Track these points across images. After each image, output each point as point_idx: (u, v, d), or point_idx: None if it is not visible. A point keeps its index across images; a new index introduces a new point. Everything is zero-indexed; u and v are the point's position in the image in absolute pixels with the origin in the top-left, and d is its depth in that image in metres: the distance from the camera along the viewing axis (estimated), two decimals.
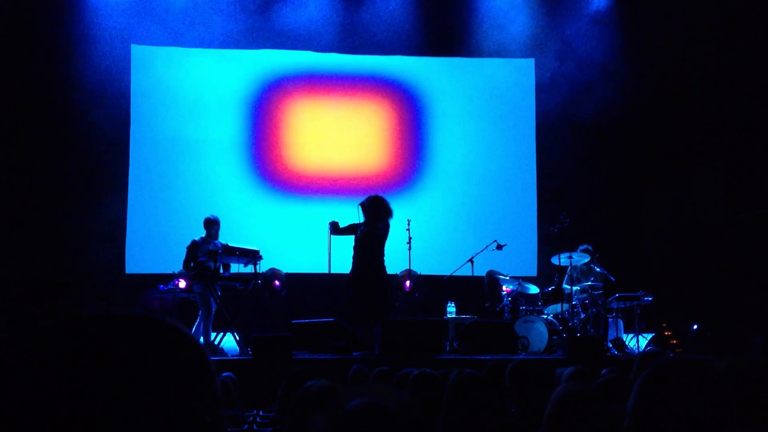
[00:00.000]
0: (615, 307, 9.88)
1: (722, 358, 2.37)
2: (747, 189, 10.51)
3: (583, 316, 9.68)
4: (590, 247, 10.07)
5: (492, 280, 10.22)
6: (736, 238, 10.59)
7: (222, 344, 9.03)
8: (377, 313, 8.90)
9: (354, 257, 9.13)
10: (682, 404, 1.70)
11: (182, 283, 9.03)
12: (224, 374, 5.75)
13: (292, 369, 4.82)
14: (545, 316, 9.67)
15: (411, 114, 12.02)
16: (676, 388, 1.72)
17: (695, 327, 10.05)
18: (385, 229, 9.10)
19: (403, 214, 10.71)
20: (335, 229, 9.21)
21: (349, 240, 10.06)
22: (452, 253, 10.68)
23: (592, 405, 2.20)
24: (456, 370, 3.34)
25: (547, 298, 10.13)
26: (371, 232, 9.06)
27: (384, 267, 9.11)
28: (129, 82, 11.42)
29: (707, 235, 11.13)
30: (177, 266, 9.35)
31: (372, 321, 8.88)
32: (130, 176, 11.35)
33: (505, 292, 10.04)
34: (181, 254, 9.33)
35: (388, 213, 9.15)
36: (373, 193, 9.37)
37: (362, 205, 9.17)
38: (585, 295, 9.78)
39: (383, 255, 9.11)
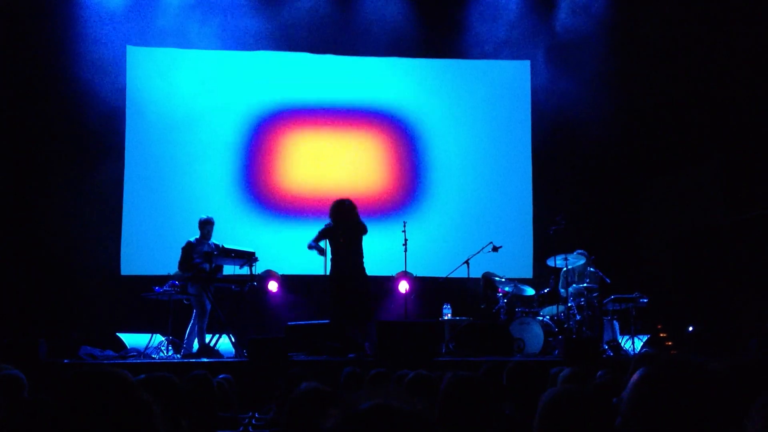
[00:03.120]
0: (610, 308, 9.89)
1: (719, 359, 2.37)
2: (745, 190, 10.52)
3: (578, 317, 9.69)
4: (586, 252, 10.09)
5: (488, 281, 10.22)
6: (733, 240, 10.61)
7: (217, 346, 9.02)
8: (367, 314, 8.94)
9: (337, 261, 8.99)
10: (674, 404, 1.70)
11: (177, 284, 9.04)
12: (221, 376, 5.74)
13: (288, 371, 4.81)
14: (541, 318, 9.69)
15: (406, 116, 12.01)
16: (669, 388, 1.72)
17: (691, 328, 10.07)
18: (365, 230, 9.10)
19: (398, 216, 10.72)
20: (319, 249, 9.06)
21: None
22: (448, 255, 10.68)
23: (582, 406, 2.20)
24: (451, 372, 3.33)
25: (542, 300, 10.15)
26: (355, 235, 9.00)
27: (365, 268, 9.13)
28: (124, 83, 11.40)
29: (704, 236, 11.15)
30: (172, 268, 9.33)
31: (363, 322, 8.91)
32: (125, 178, 11.33)
33: (500, 294, 10.05)
34: (177, 256, 9.31)
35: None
36: (337, 199, 9.19)
37: (338, 210, 9.03)
38: (581, 297, 9.79)
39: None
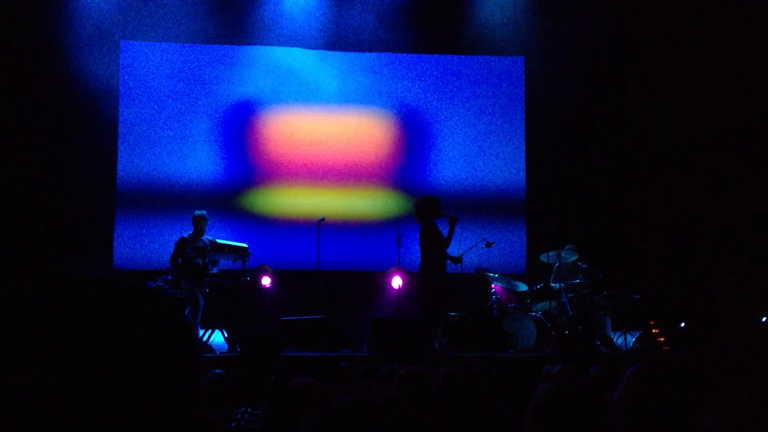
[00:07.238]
0: (603, 304, 9.91)
1: (710, 355, 2.38)
2: (735, 186, 10.55)
3: (571, 313, 9.70)
4: (574, 247, 10.11)
5: (481, 277, 10.23)
6: (724, 236, 10.64)
7: (210, 341, 9.00)
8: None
9: (438, 259, 9.13)
10: (668, 400, 1.70)
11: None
12: (214, 371, 5.74)
13: (279, 366, 4.81)
14: (534, 314, 9.70)
15: (400, 112, 11.99)
16: (662, 384, 1.72)
17: (682, 324, 10.10)
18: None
19: (391, 211, 10.71)
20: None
21: (337, 237, 10.10)
22: None
23: (574, 401, 2.20)
24: (444, 367, 3.34)
25: (535, 296, 10.16)
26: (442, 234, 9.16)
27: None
28: (117, 78, 11.35)
29: (695, 232, 11.17)
30: (165, 262, 9.31)
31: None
32: (118, 172, 11.29)
33: (493, 290, 10.05)
34: (170, 250, 9.29)
35: None
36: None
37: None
38: (573, 293, 9.80)
39: None
